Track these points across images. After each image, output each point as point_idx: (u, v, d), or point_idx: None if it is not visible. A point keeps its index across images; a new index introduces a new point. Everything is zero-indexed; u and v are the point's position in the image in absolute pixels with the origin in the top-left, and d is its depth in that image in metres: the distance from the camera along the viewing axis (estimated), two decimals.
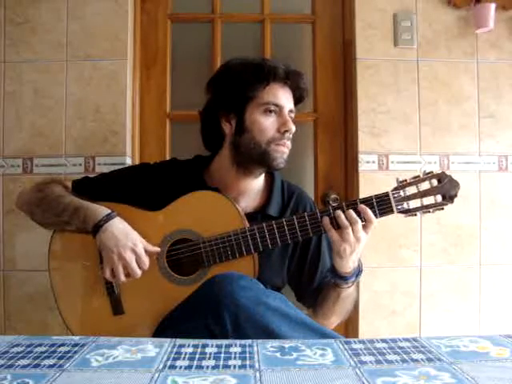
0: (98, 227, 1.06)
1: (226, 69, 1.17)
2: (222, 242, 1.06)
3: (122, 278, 1.06)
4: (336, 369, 0.69)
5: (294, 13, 1.86)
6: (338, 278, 1.09)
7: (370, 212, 1.02)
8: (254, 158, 1.11)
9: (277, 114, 1.11)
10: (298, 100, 1.17)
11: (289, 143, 1.13)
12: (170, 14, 1.80)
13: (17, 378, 0.65)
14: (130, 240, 1.06)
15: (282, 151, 1.11)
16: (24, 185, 1.60)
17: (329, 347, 0.79)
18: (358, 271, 1.10)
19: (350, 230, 1.01)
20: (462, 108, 1.72)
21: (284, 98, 1.12)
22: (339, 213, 1.02)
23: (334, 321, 1.18)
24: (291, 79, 1.13)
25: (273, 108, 1.10)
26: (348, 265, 1.06)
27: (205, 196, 1.11)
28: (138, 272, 1.06)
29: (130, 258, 1.05)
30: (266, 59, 1.17)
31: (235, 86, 1.11)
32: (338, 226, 1.02)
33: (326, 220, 1.03)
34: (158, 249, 1.09)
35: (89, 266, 1.12)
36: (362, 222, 1.02)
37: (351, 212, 1.02)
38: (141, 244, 1.07)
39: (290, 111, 1.13)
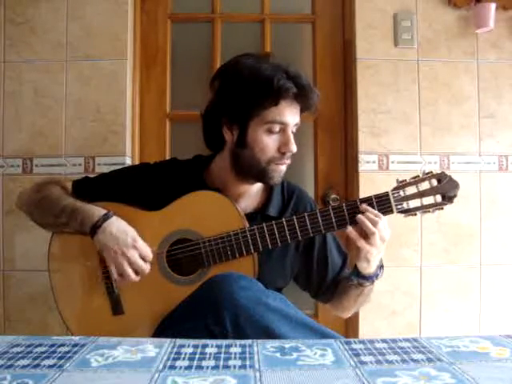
0: (95, 228, 1.05)
1: (235, 74, 1.07)
2: (222, 242, 1.06)
3: (133, 276, 1.05)
4: (336, 369, 0.69)
5: (294, 13, 1.87)
6: (361, 279, 1.10)
7: (371, 210, 1.02)
8: (252, 172, 1.10)
9: (280, 131, 1.07)
10: (304, 111, 1.12)
11: (288, 160, 1.11)
12: (170, 14, 1.80)
13: (17, 378, 0.65)
14: (129, 236, 1.05)
15: (281, 170, 1.10)
16: (24, 185, 1.60)
17: (329, 347, 0.79)
18: (380, 266, 1.12)
19: (377, 234, 1.00)
20: (462, 108, 1.72)
21: (290, 115, 1.06)
22: (363, 220, 1.01)
23: (352, 312, 1.22)
24: (301, 97, 1.07)
25: (277, 127, 1.06)
26: (374, 265, 1.07)
27: (205, 196, 1.10)
28: (145, 267, 1.06)
29: (134, 255, 1.05)
30: (278, 69, 1.04)
31: (241, 100, 1.05)
32: (354, 224, 1.02)
33: (353, 232, 1.02)
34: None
35: (88, 266, 1.12)
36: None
37: (371, 215, 1.01)
38: (140, 239, 1.06)
39: (295, 124, 1.10)
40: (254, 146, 1.07)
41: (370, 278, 1.10)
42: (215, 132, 1.12)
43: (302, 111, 1.11)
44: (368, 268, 1.07)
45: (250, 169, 1.10)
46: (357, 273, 1.10)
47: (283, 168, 1.11)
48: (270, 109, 1.04)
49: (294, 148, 1.07)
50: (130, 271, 1.05)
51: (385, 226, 1.02)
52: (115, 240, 1.05)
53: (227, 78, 1.10)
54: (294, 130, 1.10)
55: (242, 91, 1.05)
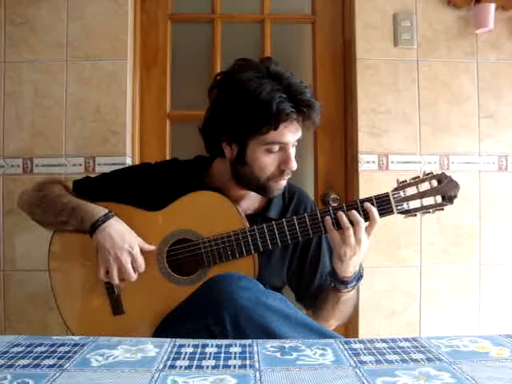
0: (95, 227, 1.06)
1: (233, 93, 1.03)
2: (222, 243, 1.06)
3: (116, 280, 1.06)
4: (336, 369, 0.69)
5: (293, 13, 1.87)
6: (338, 282, 1.08)
7: (374, 210, 1.01)
8: (251, 187, 1.11)
9: (280, 150, 1.05)
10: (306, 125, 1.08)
11: (288, 176, 1.09)
12: (170, 14, 1.80)
13: (17, 377, 0.65)
14: (126, 242, 1.06)
15: (281, 185, 1.10)
16: (24, 185, 1.60)
17: (329, 347, 0.79)
18: (359, 276, 1.09)
19: (351, 231, 1.00)
20: (462, 108, 1.72)
21: (291, 135, 1.04)
22: (341, 214, 1.01)
23: (332, 324, 1.17)
24: (303, 117, 1.03)
25: (277, 146, 1.04)
26: (349, 269, 1.05)
27: (205, 196, 1.10)
28: (133, 275, 1.06)
29: (126, 260, 1.05)
30: (279, 87, 1.00)
31: (240, 122, 1.02)
32: (338, 227, 1.02)
33: (328, 221, 1.02)
34: (153, 247, 1.08)
35: (89, 266, 1.12)
36: (365, 221, 1.01)
37: (354, 213, 1.01)
38: (137, 247, 1.07)
39: (296, 140, 1.07)
40: (253, 164, 1.06)
41: (345, 284, 1.07)
42: (215, 145, 1.11)
43: (303, 125, 1.07)
44: (342, 270, 1.05)
45: (249, 183, 1.09)
46: (333, 274, 1.08)
47: (283, 183, 1.10)
48: (269, 132, 1.02)
49: (294, 166, 1.06)
50: (115, 274, 1.05)
51: (370, 230, 1.01)
52: (112, 242, 1.05)
53: (225, 96, 1.06)
54: (296, 143, 1.08)
55: (240, 114, 1.02)
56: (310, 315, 1.20)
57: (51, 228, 1.16)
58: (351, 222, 1.01)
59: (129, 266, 1.05)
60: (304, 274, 1.19)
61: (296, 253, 1.18)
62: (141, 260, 1.06)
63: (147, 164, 1.25)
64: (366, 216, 1.02)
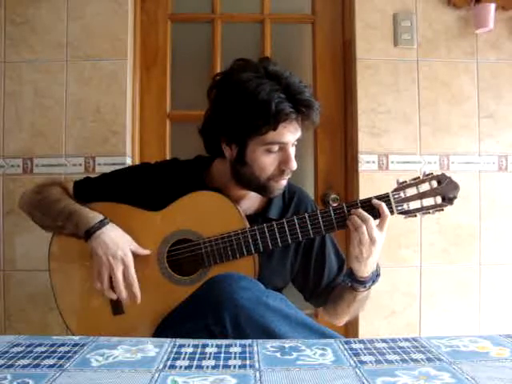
0: (89, 234, 1.05)
1: (232, 94, 1.03)
2: (223, 242, 1.06)
3: (106, 286, 1.05)
4: (336, 369, 0.69)
5: (293, 13, 1.87)
6: (355, 282, 1.08)
7: (384, 206, 1.02)
8: (252, 187, 1.10)
9: (280, 150, 1.05)
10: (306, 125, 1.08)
11: (289, 175, 1.09)
12: (170, 14, 1.80)
13: (17, 377, 0.65)
14: (120, 249, 1.05)
15: (281, 185, 1.09)
16: (24, 185, 1.60)
17: (329, 347, 0.79)
18: (376, 274, 1.10)
19: (364, 229, 1.00)
20: (462, 108, 1.72)
21: (290, 135, 1.04)
22: (353, 215, 1.02)
23: (346, 319, 1.19)
24: (302, 117, 1.03)
25: (276, 147, 1.04)
26: (366, 269, 1.05)
27: (205, 196, 1.11)
28: (121, 287, 1.04)
29: (118, 268, 1.04)
30: (278, 87, 1.00)
31: (239, 123, 1.02)
32: (344, 227, 1.03)
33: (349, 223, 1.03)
34: (147, 251, 1.08)
35: (88, 266, 1.11)
36: (375, 219, 1.02)
37: (361, 211, 1.02)
38: (131, 256, 1.06)
39: (296, 140, 1.07)
40: (253, 164, 1.06)
41: (363, 283, 1.08)
42: (215, 145, 1.11)
43: (303, 125, 1.07)
44: (360, 271, 1.05)
45: (250, 183, 1.09)
46: (350, 275, 1.09)
47: (283, 183, 1.10)
48: (268, 132, 1.01)
49: (294, 166, 1.05)
50: (106, 283, 1.05)
51: (382, 226, 1.02)
52: (106, 249, 1.04)
53: (224, 97, 1.06)
54: (296, 143, 1.08)
55: (239, 114, 1.02)
56: (323, 313, 1.23)
57: (49, 230, 1.16)
58: (362, 221, 1.01)
59: (119, 274, 1.04)
60: (309, 275, 1.19)
61: (299, 253, 1.18)
62: (132, 269, 1.05)
63: (147, 164, 1.24)
64: (373, 214, 1.02)
